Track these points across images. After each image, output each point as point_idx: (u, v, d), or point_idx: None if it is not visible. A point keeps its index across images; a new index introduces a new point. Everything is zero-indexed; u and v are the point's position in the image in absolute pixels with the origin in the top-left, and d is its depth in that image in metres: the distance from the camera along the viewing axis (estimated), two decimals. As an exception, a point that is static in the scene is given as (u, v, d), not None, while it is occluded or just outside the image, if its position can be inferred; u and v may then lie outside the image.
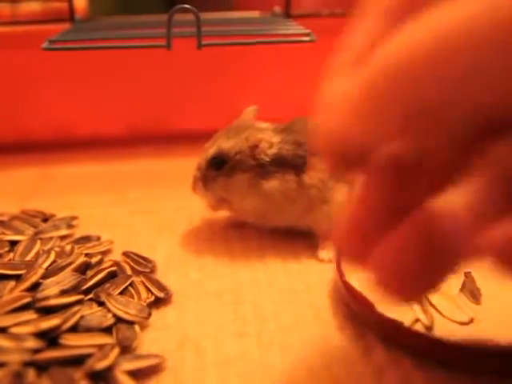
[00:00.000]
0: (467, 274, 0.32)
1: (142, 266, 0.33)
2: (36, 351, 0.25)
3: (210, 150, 0.36)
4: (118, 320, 0.28)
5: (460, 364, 0.25)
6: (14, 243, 0.35)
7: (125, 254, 0.35)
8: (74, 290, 0.29)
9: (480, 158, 0.16)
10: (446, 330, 0.27)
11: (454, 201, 0.17)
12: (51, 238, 0.36)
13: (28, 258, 0.33)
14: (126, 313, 0.28)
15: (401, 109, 0.14)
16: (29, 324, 0.26)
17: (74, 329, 0.27)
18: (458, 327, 0.28)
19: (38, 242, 0.34)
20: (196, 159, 0.36)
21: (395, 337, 0.27)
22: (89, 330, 0.27)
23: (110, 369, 0.24)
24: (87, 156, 0.53)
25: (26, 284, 0.29)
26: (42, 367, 0.24)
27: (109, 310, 0.28)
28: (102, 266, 0.32)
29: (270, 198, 0.35)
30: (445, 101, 0.14)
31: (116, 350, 0.25)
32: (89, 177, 0.49)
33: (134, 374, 0.25)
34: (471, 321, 0.28)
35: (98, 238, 0.37)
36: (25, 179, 0.48)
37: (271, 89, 0.53)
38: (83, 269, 0.32)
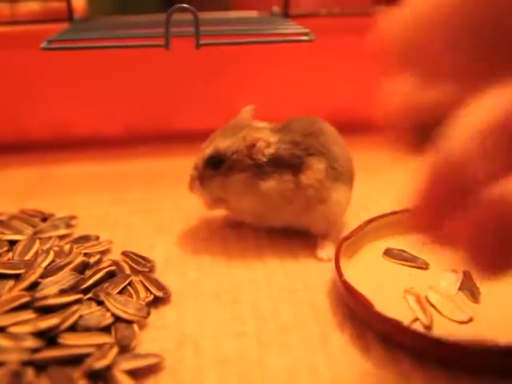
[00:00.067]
0: (466, 273, 0.32)
1: (141, 265, 0.33)
2: (35, 350, 0.24)
3: (207, 149, 0.36)
4: (117, 319, 0.28)
5: (459, 363, 0.25)
6: (12, 243, 0.35)
7: (124, 253, 0.35)
8: (72, 289, 0.29)
9: None
10: (445, 329, 0.27)
11: None
12: (50, 238, 0.36)
13: (27, 257, 0.33)
14: (125, 312, 0.28)
15: None
16: (27, 323, 0.26)
17: (73, 328, 0.27)
18: (457, 326, 0.28)
19: (37, 241, 0.34)
20: (194, 159, 0.36)
21: (394, 336, 0.27)
22: (87, 329, 0.27)
23: (108, 368, 0.24)
24: (86, 156, 0.53)
25: (25, 283, 0.29)
26: (40, 367, 0.24)
27: (107, 310, 0.28)
28: (101, 266, 0.32)
29: (267, 198, 0.35)
30: None
31: (115, 350, 0.25)
32: (88, 177, 0.49)
33: (132, 373, 0.25)
34: (470, 320, 0.28)
35: (97, 238, 0.37)
36: (24, 179, 0.48)
37: (269, 89, 0.53)
38: (82, 268, 0.32)
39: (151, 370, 0.26)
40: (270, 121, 0.37)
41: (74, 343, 0.26)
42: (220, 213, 0.39)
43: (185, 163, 0.37)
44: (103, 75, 0.52)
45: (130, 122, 0.55)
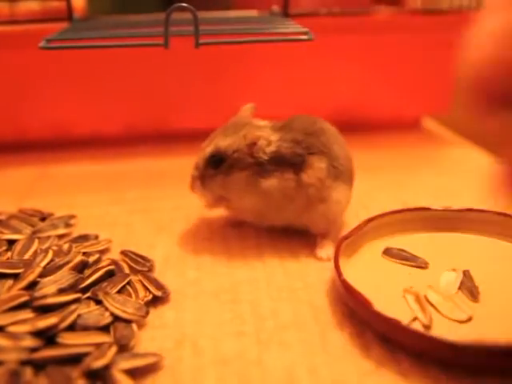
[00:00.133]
0: (465, 273, 0.32)
1: (140, 264, 0.33)
2: (33, 350, 0.24)
3: (208, 148, 0.36)
4: (116, 319, 0.28)
5: (458, 362, 0.25)
6: (11, 242, 0.35)
7: (123, 252, 0.35)
8: (71, 288, 0.29)
9: None
10: (444, 328, 0.27)
11: None
12: (49, 237, 0.36)
13: (26, 256, 0.33)
14: (124, 311, 0.28)
15: None
16: (26, 323, 0.26)
17: (72, 327, 0.27)
18: (456, 325, 0.28)
19: (36, 240, 0.34)
20: (194, 158, 0.36)
21: (393, 335, 0.27)
22: (86, 328, 0.27)
23: (107, 367, 0.24)
24: (85, 155, 0.53)
25: (24, 283, 0.29)
26: (39, 366, 0.24)
27: (106, 309, 0.28)
28: (100, 265, 0.32)
29: (269, 197, 0.35)
30: None
31: (113, 349, 0.25)
32: (87, 176, 0.49)
33: (131, 372, 0.25)
34: (469, 319, 0.28)
35: (96, 237, 0.37)
36: (23, 178, 0.48)
37: (269, 88, 0.53)
38: (81, 267, 0.32)
39: (150, 369, 0.25)
40: (270, 119, 0.37)
41: (73, 342, 0.26)
42: (220, 212, 0.39)
43: (185, 162, 0.37)
44: (103, 75, 0.52)
45: (129, 122, 0.55)
